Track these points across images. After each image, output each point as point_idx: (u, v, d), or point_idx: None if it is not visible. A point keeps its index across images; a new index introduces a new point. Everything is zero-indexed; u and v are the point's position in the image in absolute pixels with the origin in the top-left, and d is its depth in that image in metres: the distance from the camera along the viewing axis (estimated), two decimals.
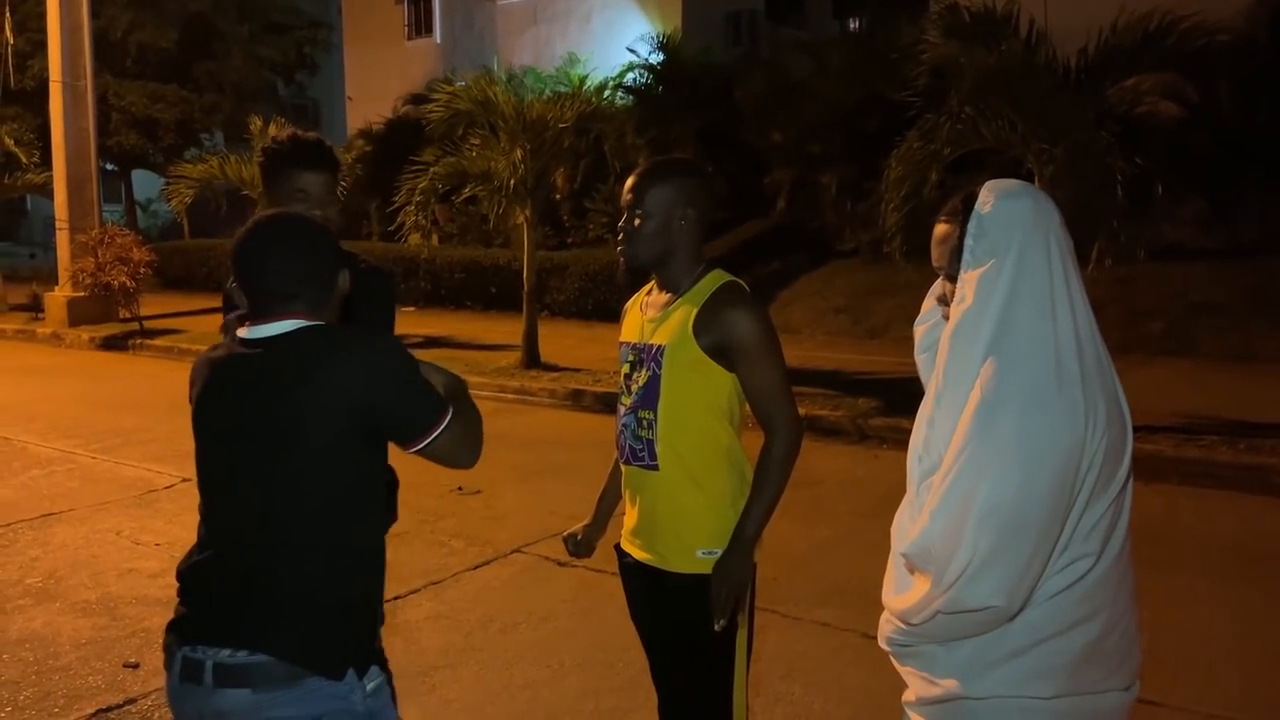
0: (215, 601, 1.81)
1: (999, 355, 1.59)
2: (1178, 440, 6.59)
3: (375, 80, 23.44)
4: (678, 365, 2.25)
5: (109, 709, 3.51)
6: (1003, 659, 1.66)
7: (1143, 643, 1.75)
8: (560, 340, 10.81)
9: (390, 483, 2.65)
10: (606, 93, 14.85)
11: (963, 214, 1.70)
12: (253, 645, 1.74)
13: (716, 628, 2.19)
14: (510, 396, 9.24)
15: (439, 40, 23.81)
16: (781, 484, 2.28)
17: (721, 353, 2.23)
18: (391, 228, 12.27)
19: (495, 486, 6.06)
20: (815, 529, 5.41)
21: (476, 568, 4.85)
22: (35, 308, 15.09)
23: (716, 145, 14.69)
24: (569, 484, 6.08)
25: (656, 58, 16.57)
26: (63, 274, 14.50)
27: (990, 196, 1.68)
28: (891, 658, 1.84)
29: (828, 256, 13.75)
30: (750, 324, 2.23)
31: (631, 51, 16.79)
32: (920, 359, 1.94)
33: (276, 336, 1.78)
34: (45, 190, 15.72)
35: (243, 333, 1.83)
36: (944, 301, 1.77)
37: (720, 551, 2.25)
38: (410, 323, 13.84)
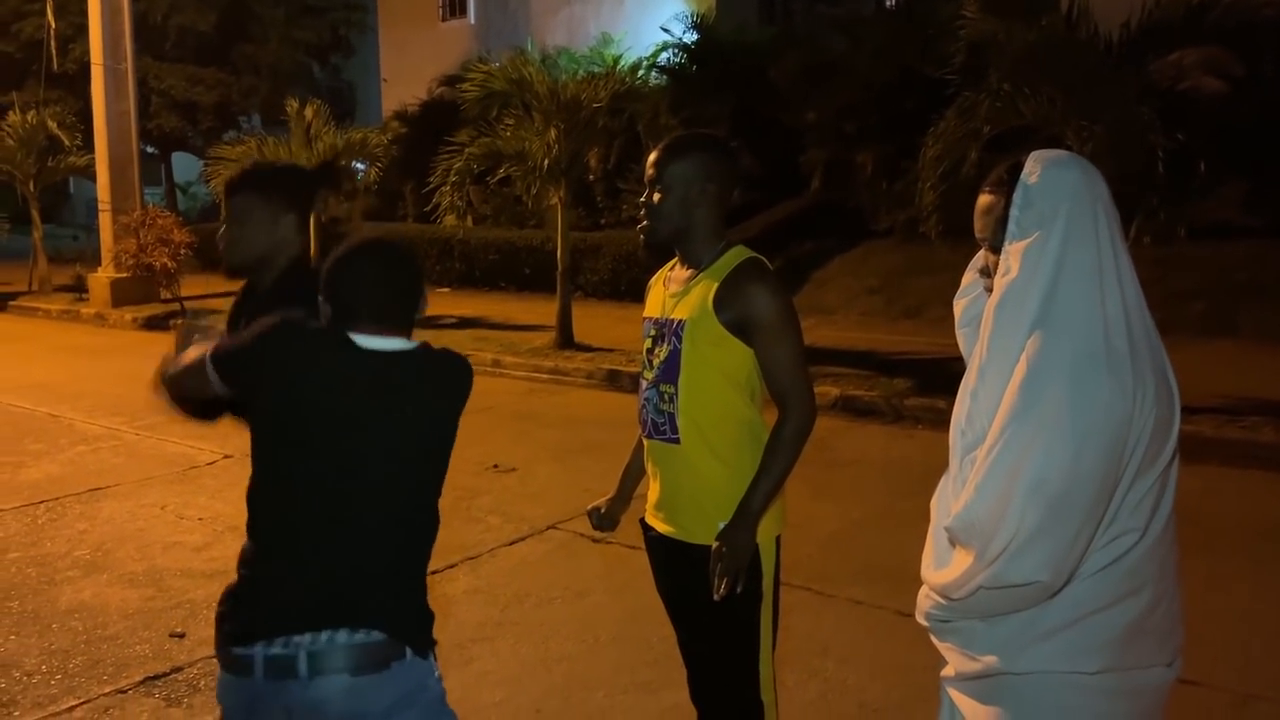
0: (316, 587, 1.85)
1: (1046, 328, 1.57)
2: (1219, 421, 6.50)
3: (410, 62, 23.47)
4: (698, 340, 2.26)
5: (156, 677, 3.59)
6: (1045, 634, 1.65)
7: (1185, 621, 1.74)
8: (594, 320, 10.83)
9: None
10: (640, 72, 14.74)
11: (1008, 184, 1.67)
12: (367, 623, 1.82)
13: (716, 597, 2.19)
14: (544, 376, 9.28)
15: (473, 21, 23.79)
16: (791, 461, 2.26)
17: (741, 328, 2.23)
18: (426, 209, 12.34)
19: (530, 464, 6.10)
20: (850, 508, 5.40)
21: (512, 544, 4.90)
22: (79, 289, 15.34)
23: (750, 124, 14.58)
24: (603, 462, 6.09)
25: (690, 37, 16.45)
26: (105, 255, 14.71)
27: (1037, 166, 1.65)
28: (930, 632, 1.83)
29: (863, 236, 13.63)
30: (770, 300, 2.23)
31: (665, 31, 16.68)
32: (962, 333, 1.91)
33: (403, 352, 1.96)
34: (88, 172, 15.92)
35: (366, 342, 1.91)
36: (986, 274, 1.75)
37: None
38: (445, 304, 13.92)
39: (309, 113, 12.68)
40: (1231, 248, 10.50)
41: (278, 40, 25.50)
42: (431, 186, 11.09)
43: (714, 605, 2.25)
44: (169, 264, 13.39)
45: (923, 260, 11.41)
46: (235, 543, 4.64)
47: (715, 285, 2.25)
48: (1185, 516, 1.77)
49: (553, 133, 10.03)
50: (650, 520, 2.44)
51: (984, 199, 1.74)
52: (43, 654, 3.75)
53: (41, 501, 5.60)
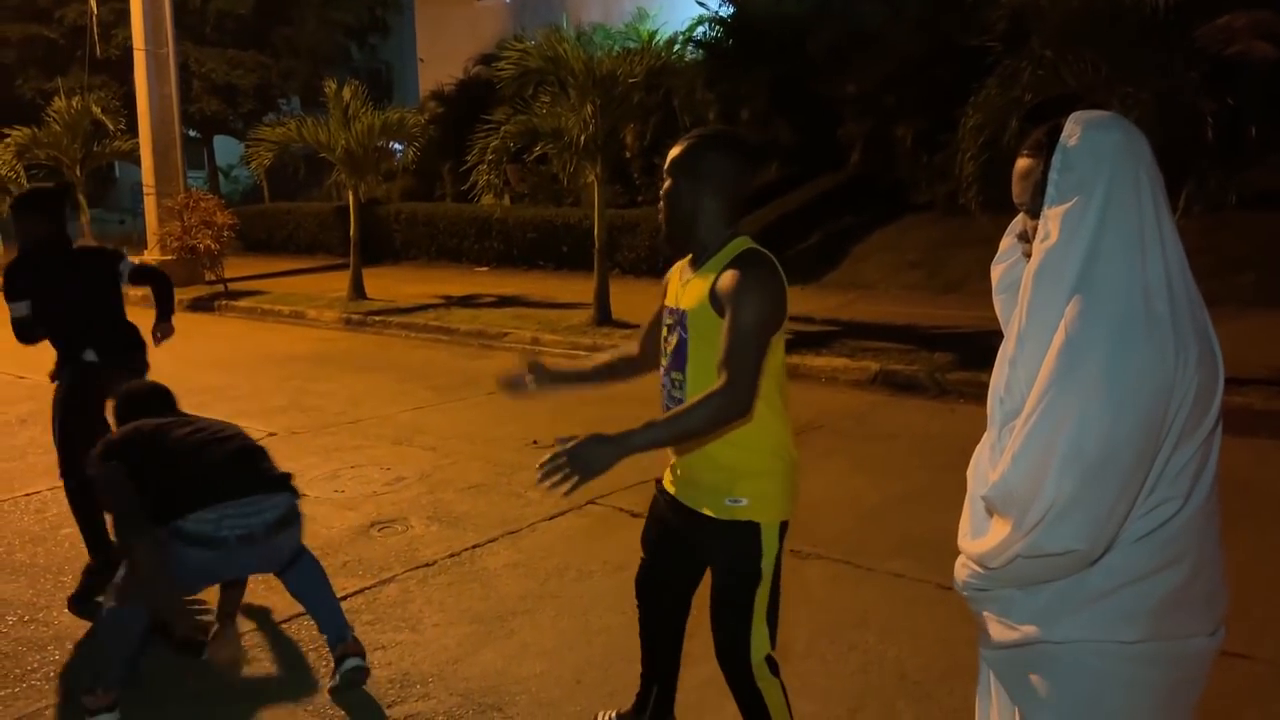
0: None
1: (1085, 293, 1.54)
2: (1269, 393, 6.37)
3: (446, 41, 23.52)
4: (700, 329, 2.34)
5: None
6: (1084, 603, 1.63)
7: (1229, 591, 1.72)
8: (631, 298, 10.82)
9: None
10: (676, 47, 14.65)
11: (1047, 147, 1.64)
12: None
13: (538, 480, 2.10)
14: (582, 354, 9.30)
15: None
16: (695, 426, 2.19)
17: (722, 313, 2.28)
18: (464, 188, 12.38)
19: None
20: (890, 482, 5.38)
21: (552, 518, 4.94)
22: None
23: (788, 98, 14.46)
24: None
25: (726, 10, 16.30)
26: (151, 238, 14.97)
27: (1077, 128, 1.61)
28: (967, 602, 1.83)
29: (903, 210, 13.48)
30: (752, 284, 2.25)
31: (701, 5, 16.54)
32: (999, 299, 1.88)
33: None
34: (132, 157, 16.17)
35: None
36: (1024, 239, 1.72)
37: (747, 501, 2.36)
38: (483, 283, 13.99)
39: (347, 94, 12.75)
40: None
41: (316, 22, 25.64)
42: (468, 166, 11.13)
43: (701, 569, 2.51)
44: (212, 246, 13.59)
45: (964, 233, 11.27)
46: None
47: (714, 276, 2.33)
48: (1234, 488, 1.75)
49: (589, 109, 10.02)
50: (666, 483, 2.60)
51: (1022, 162, 1.71)
52: None
53: None
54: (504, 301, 11.98)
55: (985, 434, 1.76)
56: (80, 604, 3.91)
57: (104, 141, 16.73)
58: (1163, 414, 1.52)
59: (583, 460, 2.10)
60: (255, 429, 6.55)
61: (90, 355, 4.24)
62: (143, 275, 4.67)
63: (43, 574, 4.36)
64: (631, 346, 2.78)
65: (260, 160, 13.12)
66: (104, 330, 4.34)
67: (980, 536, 1.72)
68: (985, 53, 8.25)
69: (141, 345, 4.48)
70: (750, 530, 2.37)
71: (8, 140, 16.22)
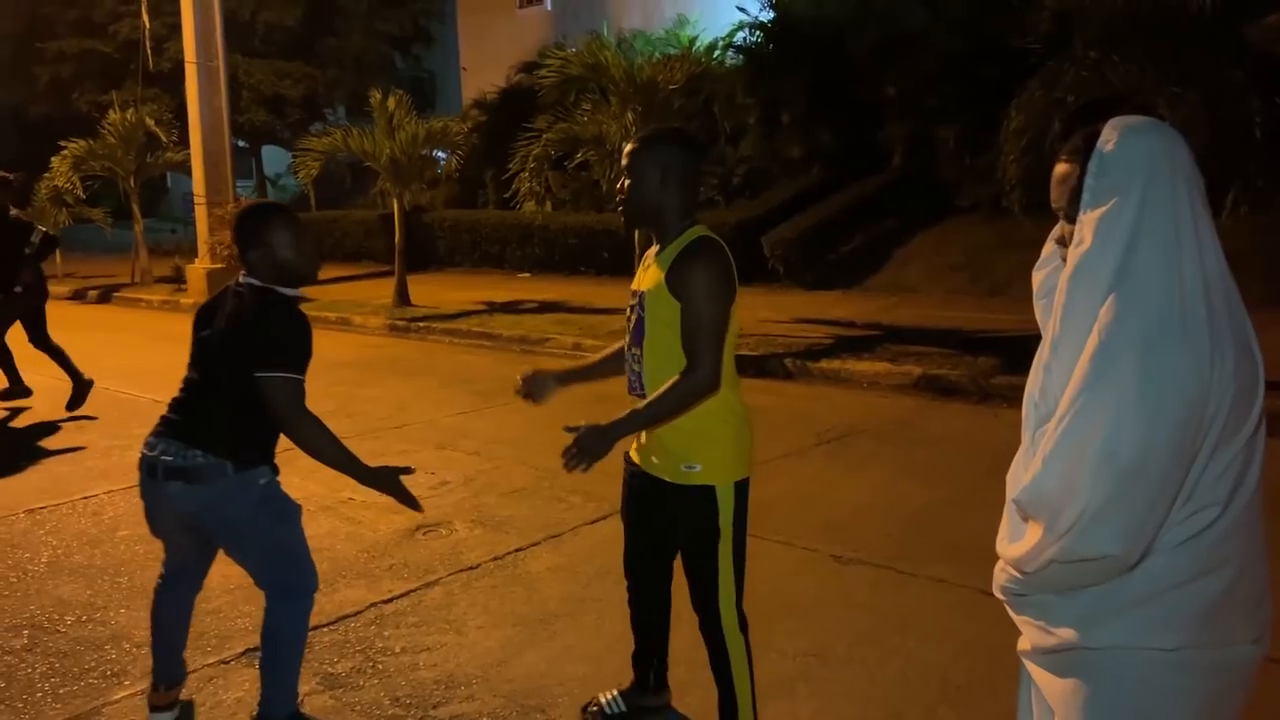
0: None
1: (1119, 297, 1.54)
2: None
3: (488, 50, 23.74)
4: (656, 311, 2.60)
5: (256, 649, 3.74)
6: (1123, 609, 1.62)
7: (1274, 598, 1.70)
8: None
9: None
10: (716, 53, 14.68)
11: (1084, 152, 1.64)
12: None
13: (567, 468, 2.54)
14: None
15: (549, 7, 23.95)
16: (670, 408, 2.54)
17: (678, 295, 2.53)
18: (506, 195, 12.50)
19: None
20: (933, 487, 5.35)
21: (593, 522, 4.98)
22: (178, 280, 15.96)
23: (829, 101, 14.41)
24: None
25: (766, 15, 16.30)
26: (202, 247, 15.26)
27: (1113, 134, 1.61)
28: (1007, 607, 1.83)
29: (946, 212, 13.37)
30: (700, 270, 2.52)
31: (741, 10, 16.55)
32: (1039, 305, 1.88)
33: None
34: (184, 167, 16.53)
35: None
36: (1064, 244, 1.72)
37: (701, 467, 2.62)
38: (526, 289, 14.11)
39: (391, 103, 12.93)
40: None
41: (361, 33, 26.01)
42: (511, 173, 11.24)
43: (675, 535, 2.73)
44: None
45: (1008, 235, 11.16)
46: (328, 521, 4.83)
47: (670, 260, 2.58)
48: (1277, 492, 1.73)
49: (629, 116, 10.08)
50: (634, 456, 2.86)
51: (1059, 168, 1.71)
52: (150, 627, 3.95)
53: None
54: (546, 307, 12.06)
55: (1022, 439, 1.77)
56: None
57: (157, 153, 17.13)
58: (1199, 418, 1.52)
59: (584, 448, 2.49)
60: None
61: None
62: (45, 242, 7.81)
63: (100, 575, 4.48)
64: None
65: (307, 169, 13.36)
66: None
67: (1017, 540, 1.72)
68: (1028, 53, 8.18)
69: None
70: (707, 493, 2.63)
71: (65, 152, 16.67)
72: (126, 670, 3.60)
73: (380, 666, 3.56)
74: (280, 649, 3.04)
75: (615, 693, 3.16)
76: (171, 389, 3.24)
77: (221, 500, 2.98)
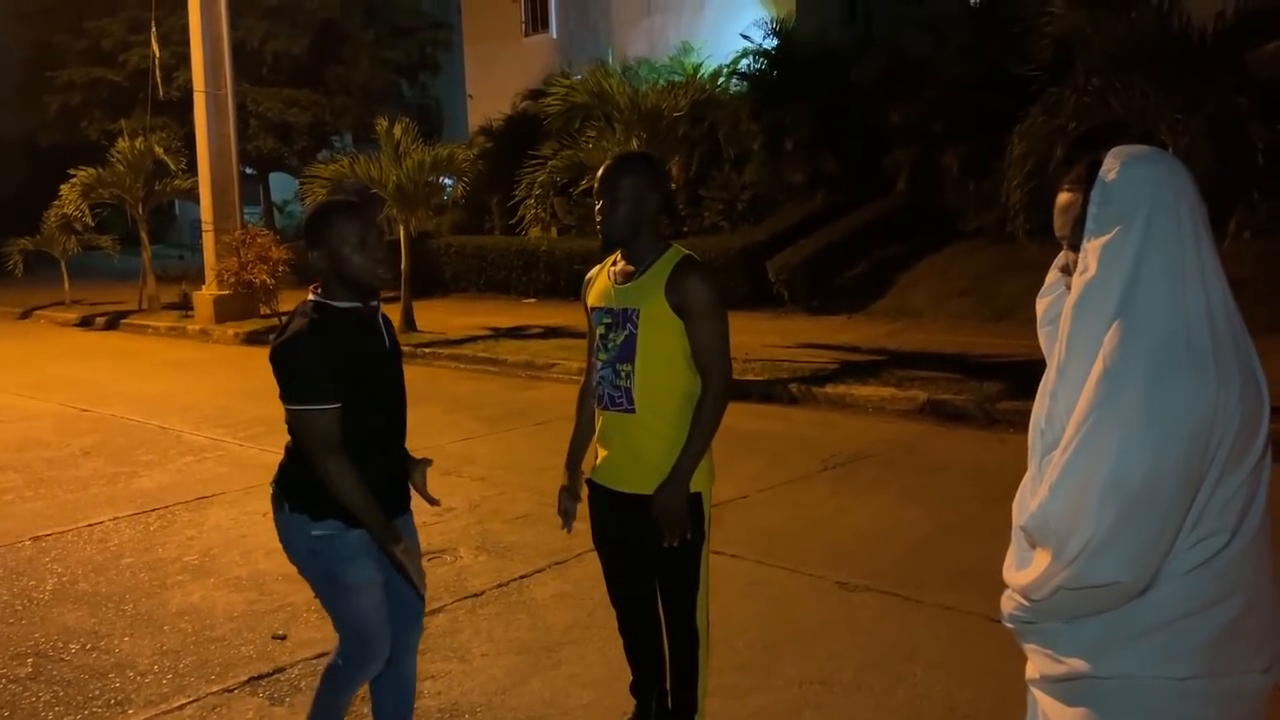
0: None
1: (1124, 325, 1.55)
2: None
3: (494, 78, 23.91)
4: (651, 325, 2.68)
5: (260, 677, 3.74)
6: (1132, 638, 1.62)
7: None
8: None
9: None
10: (721, 80, 14.80)
11: (1087, 181, 1.65)
12: None
13: (667, 545, 2.69)
14: None
15: (555, 35, 24.14)
16: (714, 427, 2.71)
17: (681, 312, 2.66)
18: (512, 221, 12.55)
19: None
20: (940, 514, 5.33)
21: None
22: (185, 306, 16.00)
23: (833, 127, 14.47)
24: None
25: (771, 43, 16.40)
26: (209, 273, 15.32)
27: (1116, 163, 1.63)
28: (1014, 634, 1.82)
29: (950, 238, 13.39)
30: (704, 289, 2.68)
31: (745, 38, 16.67)
32: (1043, 332, 1.89)
33: None
34: (191, 195, 16.62)
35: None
36: (1068, 272, 1.73)
37: None
38: (530, 314, 14.13)
39: (398, 131, 13.01)
40: None
41: (368, 61, 26.19)
42: (517, 199, 11.29)
43: (658, 547, 2.74)
44: (268, 280, 13.87)
45: (1013, 260, 11.16)
46: None
47: (665, 278, 2.68)
48: None
49: (634, 143, 10.14)
50: (600, 479, 2.87)
51: (1063, 197, 1.72)
52: (155, 654, 3.95)
53: (153, 509, 5.87)
54: (551, 332, 12.08)
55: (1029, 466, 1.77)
56: None
57: (165, 180, 17.23)
58: (1205, 444, 1.52)
59: (669, 514, 2.67)
60: None
61: None
62: None
63: (104, 603, 4.47)
64: (589, 380, 2.94)
65: (315, 197, 13.41)
66: None
67: (1024, 568, 1.72)
68: (1031, 80, 8.22)
69: None
70: (694, 500, 2.74)
71: (74, 180, 16.78)
72: (130, 699, 3.59)
73: None
74: (324, 689, 2.86)
75: None
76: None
77: (282, 535, 2.78)
